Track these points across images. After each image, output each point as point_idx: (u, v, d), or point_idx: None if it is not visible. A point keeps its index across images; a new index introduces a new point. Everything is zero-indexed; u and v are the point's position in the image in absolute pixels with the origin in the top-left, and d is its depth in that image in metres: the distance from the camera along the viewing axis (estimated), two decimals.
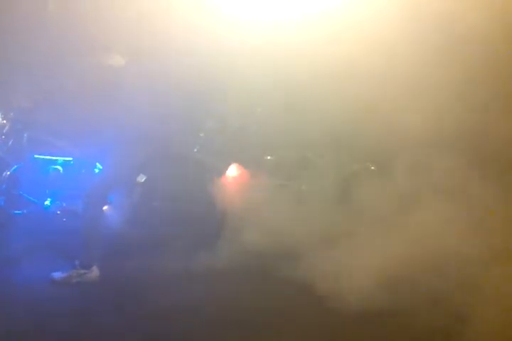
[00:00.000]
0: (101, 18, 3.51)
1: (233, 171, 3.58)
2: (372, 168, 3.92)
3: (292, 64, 3.74)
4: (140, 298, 2.81)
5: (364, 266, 2.85)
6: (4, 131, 3.54)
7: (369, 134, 3.43)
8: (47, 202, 3.38)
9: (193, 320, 2.60)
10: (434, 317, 2.59)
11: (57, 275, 2.95)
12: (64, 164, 3.46)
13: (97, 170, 3.45)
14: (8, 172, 3.46)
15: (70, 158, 3.47)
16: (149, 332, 2.49)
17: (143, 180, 3.43)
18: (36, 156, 3.49)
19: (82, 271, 2.95)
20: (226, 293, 2.92)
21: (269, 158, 3.98)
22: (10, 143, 3.53)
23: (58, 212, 3.36)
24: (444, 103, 3.14)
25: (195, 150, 3.55)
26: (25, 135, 3.54)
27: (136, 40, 3.43)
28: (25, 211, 3.39)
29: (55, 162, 3.46)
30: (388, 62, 3.19)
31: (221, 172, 3.53)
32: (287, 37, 3.65)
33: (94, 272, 2.98)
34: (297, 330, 2.57)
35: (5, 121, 3.58)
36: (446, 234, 2.87)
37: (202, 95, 3.71)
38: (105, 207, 3.33)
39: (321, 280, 2.86)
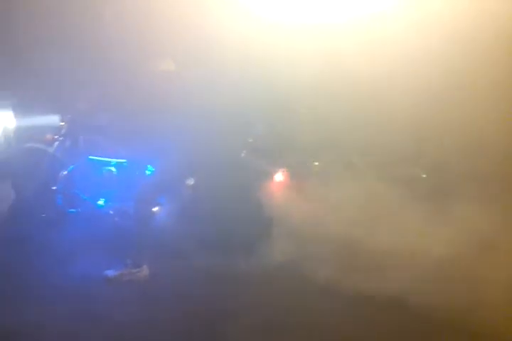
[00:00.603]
0: (157, 25, 3.67)
1: (281, 176, 3.64)
2: (424, 175, 3.89)
3: (340, 67, 3.78)
4: (187, 297, 2.91)
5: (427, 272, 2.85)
6: (62, 132, 3.77)
7: (426, 139, 3.42)
8: (100, 202, 3.56)
9: (240, 321, 2.66)
10: None
11: (111, 273, 3.10)
12: (117, 165, 3.63)
13: (148, 172, 3.60)
14: (65, 172, 3.69)
15: (124, 160, 3.63)
16: (195, 331, 2.59)
17: (192, 183, 3.55)
18: (91, 157, 3.69)
19: (134, 270, 3.09)
20: (271, 296, 2.96)
21: (316, 163, 4.04)
22: (67, 144, 3.76)
23: (111, 212, 3.53)
24: None
25: (243, 154, 3.64)
26: (82, 137, 3.76)
27: (190, 47, 3.58)
28: (79, 209, 3.60)
29: (109, 163, 3.64)
30: (454, 63, 3.18)
31: (269, 176, 3.59)
32: (337, 39, 3.71)
33: (145, 271, 3.12)
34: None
35: (63, 123, 3.82)
36: None
37: (250, 99, 3.80)
38: (155, 209, 3.49)
39: (374, 286, 2.88)
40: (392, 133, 3.85)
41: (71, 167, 3.69)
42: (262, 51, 3.68)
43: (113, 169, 3.64)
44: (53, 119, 3.90)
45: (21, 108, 4.14)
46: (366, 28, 3.70)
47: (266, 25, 3.67)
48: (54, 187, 3.66)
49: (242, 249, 3.38)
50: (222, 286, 3.03)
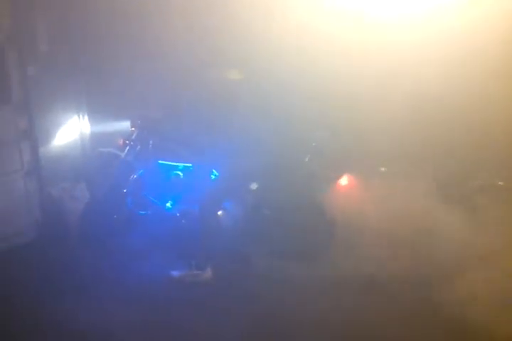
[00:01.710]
0: (226, 32, 3.82)
1: (345, 181, 3.64)
2: (500, 183, 3.73)
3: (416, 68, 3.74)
4: (249, 301, 3.04)
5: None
6: (132, 137, 4.04)
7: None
8: (168, 205, 3.78)
9: (305, 327, 2.75)
10: None
11: (176, 273, 3.30)
12: (184, 170, 3.83)
13: (213, 177, 3.76)
14: (135, 176, 3.95)
15: (190, 165, 3.82)
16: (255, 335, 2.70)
17: (255, 188, 3.66)
18: (160, 162, 3.93)
19: (198, 272, 3.26)
20: (333, 304, 3.00)
21: (382, 169, 3.99)
22: (137, 149, 4.03)
23: (178, 214, 3.73)
24: None
25: (307, 159, 3.68)
26: (151, 142, 4.01)
27: (258, 54, 3.71)
28: (148, 212, 3.83)
29: (176, 167, 3.85)
30: None
31: (333, 181, 3.61)
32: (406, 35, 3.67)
33: (208, 274, 3.28)
34: None
35: (133, 129, 4.09)
36: None
37: (315, 103, 3.85)
38: (220, 213, 3.64)
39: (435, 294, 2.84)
40: (468, 143, 3.75)
41: (141, 171, 3.95)
42: (328, 56, 3.73)
43: (180, 173, 3.84)
44: (125, 125, 4.20)
45: (95, 114, 4.48)
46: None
47: (335, 32, 3.71)
48: (124, 190, 3.93)
49: (306, 255, 3.43)
50: (284, 291, 3.12)
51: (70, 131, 4.33)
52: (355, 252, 3.43)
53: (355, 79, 3.85)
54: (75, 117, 4.36)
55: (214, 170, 3.76)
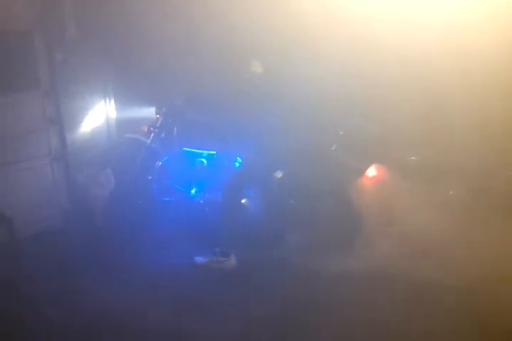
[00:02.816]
0: (249, 28, 3.85)
1: (373, 171, 3.64)
2: None
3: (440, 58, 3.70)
4: (271, 291, 3.09)
5: None
6: (157, 124, 4.14)
7: None
8: (192, 192, 3.87)
9: (322, 318, 2.78)
10: None
11: (200, 259, 3.40)
12: (208, 157, 3.91)
13: (237, 164, 3.82)
14: (160, 163, 4.05)
15: (214, 152, 3.90)
16: (277, 324, 2.75)
17: (280, 176, 3.70)
18: (184, 149, 4.01)
19: (222, 259, 3.34)
20: (359, 297, 3.00)
21: (413, 158, 3.95)
22: (162, 136, 4.12)
23: (201, 202, 3.81)
24: None
25: (333, 148, 3.70)
26: (175, 129, 4.09)
27: (281, 45, 3.73)
28: (173, 199, 3.93)
29: (200, 155, 3.93)
30: None
31: (360, 172, 3.62)
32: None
33: (232, 261, 3.36)
34: None
35: (158, 116, 4.18)
36: None
37: (343, 92, 3.86)
38: (243, 200, 3.70)
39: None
40: (504, 131, 3.69)
41: (165, 158, 4.05)
42: (356, 44, 3.72)
43: (204, 160, 3.92)
44: (150, 112, 4.30)
45: (122, 100, 4.59)
46: None
47: (362, 20, 3.70)
48: (149, 177, 4.04)
49: (331, 246, 3.46)
50: (306, 281, 3.17)
51: (97, 117, 4.45)
52: (380, 245, 3.43)
53: (384, 66, 3.83)
54: (102, 103, 4.48)
55: (238, 158, 3.83)
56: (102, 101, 4.51)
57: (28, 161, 3.72)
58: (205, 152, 3.94)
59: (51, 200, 3.91)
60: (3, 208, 3.23)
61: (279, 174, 3.72)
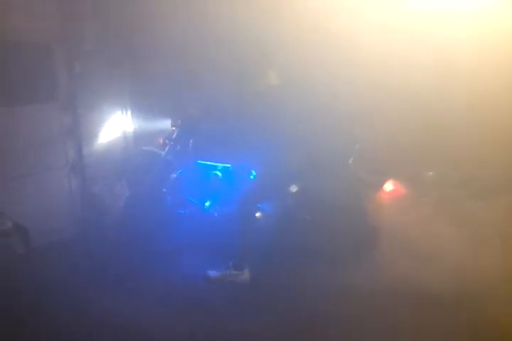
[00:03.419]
0: (266, 40, 3.91)
1: (390, 186, 3.64)
2: None
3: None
4: (287, 304, 3.08)
5: None
6: (173, 137, 4.20)
7: None
8: (206, 204, 3.90)
9: (337, 332, 2.78)
10: None
11: (213, 273, 3.40)
12: (223, 170, 3.95)
13: (252, 178, 3.85)
14: (175, 175, 4.11)
15: (229, 165, 3.93)
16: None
17: (295, 191, 3.71)
18: (199, 162, 4.06)
19: (235, 272, 3.35)
20: (374, 312, 2.98)
21: (430, 173, 3.93)
22: (177, 148, 4.18)
23: (215, 215, 3.84)
24: None
25: (350, 161, 3.70)
26: (191, 141, 4.15)
27: (296, 60, 3.78)
28: (187, 211, 3.97)
29: (215, 168, 3.98)
30: None
31: (377, 186, 3.62)
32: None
33: (246, 275, 3.36)
34: None
35: (173, 128, 4.25)
36: None
37: (358, 106, 3.87)
38: (258, 214, 3.72)
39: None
40: None
41: (180, 170, 4.10)
42: (369, 57, 3.74)
43: (219, 173, 3.96)
44: (165, 124, 4.37)
45: (138, 113, 4.67)
46: None
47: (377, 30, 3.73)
48: (164, 190, 4.09)
49: (346, 261, 3.45)
50: (320, 296, 3.14)
51: (113, 129, 4.53)
52: (396, 262, 3.41)
53: (404, 80, 3.85)
54: (119, 115, 4.56)
55: (253, 171, 3.85)
56: (119, 113, 4.60)
57: (45, 172, 3.80)
58: (220, 165, 3.99)
59: (66, 211, 3.98)
60: (19, 218, 3.29)
61: (294, 188, 3.72)
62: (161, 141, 4.20)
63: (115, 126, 4.54)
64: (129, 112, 4.62)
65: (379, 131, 3.92)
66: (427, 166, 4.13)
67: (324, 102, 3.71)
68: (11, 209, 3.35)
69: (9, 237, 3.25)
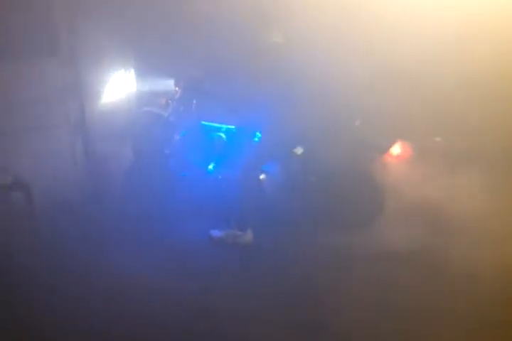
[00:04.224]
0: None
1: (397, 150, 3.61)
2: None
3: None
4: (289, 267, 3.13)
5: None
6: (176, 97, 4.16)
7: None
8: (210, 167, 3.89)
9: (337, 296, 2.81)
10: None
11: (215, 233, 3.44)
12: (227, 131, 3.92)
13: (256, 140, 3.82)
14: (178, 137, 4.08)
15: (233, 126, 3.90)
16: (290, 302, 2.77)
17: (300, 153, 3.69)
18: (203, 123, 4.03)
19: (238, 233, 3.38)
20: (376, 276, 3.02)
21: (437, 139, 3.90)
22: (180, 109, 4.14)
23: (220, 177, 3.84)
24: None
25: (357, 123, 3.67)
26: (194, 102, 4.11)
27: (304, 17, 3.69)
28: (190, 173, 3.97)
29: (219, 129, 3.95)
30: None
31: (384, 149, 3.59)
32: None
33: (249, 235, 3.39)
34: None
35: (177, 88, 4.19)
36: None
37: (369, 66, 3.80)
38: (262, 176, 3.72)
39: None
40: None
41: (183, 132, 4.07)
42: (376, 23, 3.66)
43: (223, 135, 3.93)
44: (168, 84, 4.32)
45: (141, 71, 4.62)
46: None
47: None
48: (167, 151, 4.08)
49: (352, 224, 3.48)
50: (322, 259, 3.19)
51: (115, 88, 4.49)
52: (402, 226, 3.43)
53: (414, 44, 3.78)
54: (121, 74, 4.51)
55: (258, 133, 3.83)
56: (122, 72, 4.54)
57: (47, 129, 3.79)
58: (224, 126, 3.95)
59: (68, 171, 4.00)
60: (21, 174, 3.31)
61: (299, 150, 3.70)
62: (164, 101, 4.16)
63: (117, 86, 4.50)
64: (132, 71, 4.56)
65: (389, 93, 3.88)
66: (435, 132, 4.10)
67: (332, 63, 3.65)
68: (12, 165, 3.37)
69: (10, 193, 3.28)
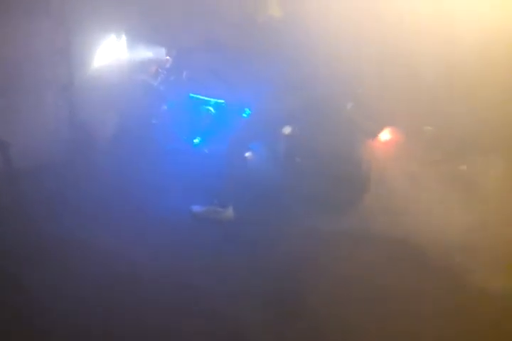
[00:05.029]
0: None
1: (386, 135, 3.63)
2: None
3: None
4: (266, 246, 3.18)
5: None
6: (166, 66, 4.11)
7: None
8: (196, 140, 3.89)
9: (319, 274, 2.88)
10: None
11: (196, 208, 3.47)
12: (216, 105, 3.90)
13: (245, 115, 3.82)
14: (166, 107, 4.06)
15: (222, 101, 3.88)
16: (272, 279, 2.83)
17: (288, 132, 3.69)
18: (191, 95, 3.99)
19: (219, 209, 3.41)
20: (356, 255, 3.08)
21: (429, 128, 3.91)
22: (171, 79, 4.10)
23: (206, 151, 3.84)
24: None
25: (349, 106, 3.66)
26: (185, 73, 4.06)
27: None
28: (175, 146, 3.96)
29: (208, 102, 3.92)
30: None
31: (373, 134, 3.60)
32: None
33: (230, 212, 3.43)
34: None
35: (168, 58, 4.14)
36: None
37: (363, 46, 3.75)
38: (247, 154, 3.73)
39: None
40: None
41: (171, 102, 4.04)
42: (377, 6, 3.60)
43: (211, 109, 3.91)
44: (160, 52, 4.25)
45: (133, 39, 4.53)
46: None
47: None
48: (153, 121, 4.06)
49: (335, 207, 3.52)
50: (303, 238, 3.24)
51: (106, 52, 4.41)
52: (386, 211, 3.48)
53: (410, 29, 3.73)
54: (113, 39, 4.42)
55: (247, 109, 3.81)
56: (113, 38, 4.45)
57: (32, 90, 3.74)
58: (213, 100, 3.92)
59: (53, 134, 3.96)
60: (3, 133, 3.29)
61: (287, 129, 3.70)
62: (154, 69, 4.11)
63: (108, 50, 4.41)
64: (124, 37, 4.47)
65: (383, 77, 3.84)
66: (427, 120, 4.10)
67: (328, 42, 3.60)
68: None
69: None
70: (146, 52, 4.41)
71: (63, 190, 3.68)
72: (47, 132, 3.91)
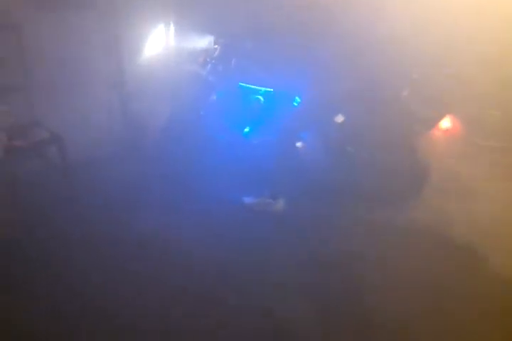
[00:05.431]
0: None
1: (447, 124, 3.46)
2: None
3: None
4: (319, 238, 3.12)
5: None
6: (215, 55, 4.07)
7: None
8: (245, 130, 3.85)
9: (370, 269, 2.81)
10: None
11: (248, 200, 3.45)
12: (265, 94, 3.84)
13: (295, 104, 3.74)
14: (215, 97, 4.03)
15: (272, 89, 3.81)
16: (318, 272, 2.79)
17: (340, 121, 3.59)
18: (241, 84, 3.95)
19: (270, 201, 3.38)
20: (414, 249, 2.98)
21: (494, 113, 3.68)
22: (219, 68, 4.06)
23: (255, 141, 3.80)
24: None
25: (405, 94, 3.50)
26: (233, 61, 4.01)
27: None
28: (225, 136, 3.94)
29: (257, 92, 3.86)
30: None
31: (432, 123, 3.44)
32: None
33: (280, 204, 3.39)
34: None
35: (216, 46, 4.10)
36: None
37: (418, 30, 3.58)
38: (298, 143, 3.66)
39: None
40: None
41: (220, 92, 4.01)
42: None
43: (261, 98, 3.85)
44: (208, 41, 4.22)
45: (180, 29, 4.52)
46: None
47: None
48: (202, 112, 4.05)
49: (391, 199, 3.40)
50: (354, 232, 3.16)
51: (154, 43, 4.43)
52: (445, 202, 3.34)
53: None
54: (161, 30, 4.43)
55: (297, 97, 3.73)
56: (161, 29, 4.46)
57: (83, 85, 3.81)
58: (263, 89, 3.86)
59: (105, 127, 4.04)
60: (55, 127, 3.37)
61: (339, 118, 3.60)
62: (202, 59, 4.08)
63: (156, 41, 4.44)
64: (172, 27, 4.47)
65: (442, 62, 3.66)
66: (493, 105, 3.88)
67: (380, 26, 3.46)
68: (48, 120, 3.43)
69: (46, 147, 3.37)
70: (193, 42, 4.40)
71: (117, 182, 3.75)
72: (100, 125, 4.00)
